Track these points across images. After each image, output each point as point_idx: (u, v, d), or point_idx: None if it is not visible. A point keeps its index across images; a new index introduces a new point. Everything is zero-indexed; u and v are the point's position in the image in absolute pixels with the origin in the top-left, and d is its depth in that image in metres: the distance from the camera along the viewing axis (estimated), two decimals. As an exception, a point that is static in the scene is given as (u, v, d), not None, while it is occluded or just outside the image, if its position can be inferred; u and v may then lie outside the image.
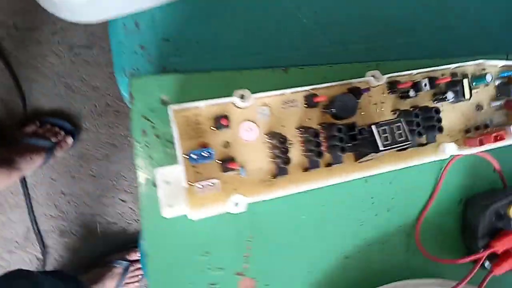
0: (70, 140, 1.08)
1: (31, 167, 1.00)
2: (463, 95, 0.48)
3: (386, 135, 0.40)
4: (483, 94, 0.52)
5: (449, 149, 0.48)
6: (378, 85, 0.46)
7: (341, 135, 0.41)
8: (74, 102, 1.14)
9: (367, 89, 0.43)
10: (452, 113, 0.50)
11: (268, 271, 0.44)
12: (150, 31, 0.44)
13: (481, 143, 0.49)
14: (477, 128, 0.51)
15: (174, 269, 0.40)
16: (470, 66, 0.50)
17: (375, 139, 0.40)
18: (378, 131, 0.40)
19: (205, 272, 0.41)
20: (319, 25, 0.50)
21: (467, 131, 0.50)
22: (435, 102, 0.48)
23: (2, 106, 1.10)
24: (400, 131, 0.40)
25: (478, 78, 0.50)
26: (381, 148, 0.39)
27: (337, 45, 0.51)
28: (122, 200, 1.20)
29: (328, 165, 0.44)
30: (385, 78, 0.46)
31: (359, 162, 0.45)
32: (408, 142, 0.40)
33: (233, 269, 0.42)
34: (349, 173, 0.44)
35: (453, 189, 0.52)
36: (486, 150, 0.50)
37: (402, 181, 0.50)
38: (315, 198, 0.46)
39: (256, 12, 0.48)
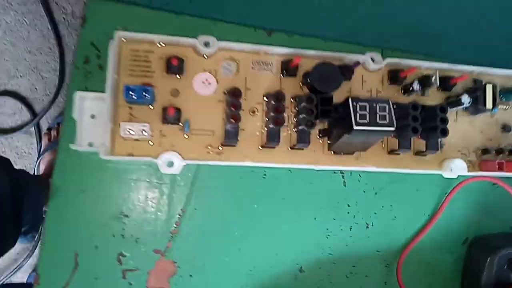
0: None
1: None
2: (484, 104, 0.39)
3: (364, 112, 0.32)
4: (513, 113, 0.42)
5: (457, 167, 0.39)
6: (377, 70, 0.39)
7: (310, 107, 0.34)
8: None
9: (357, 63, 0.36)
10: (468, 126, 0.40)
11: (195, 259, 0.36)
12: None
13: (500, 168, 0.38)
14: (499, 151, 0.40)
15: (78, 221, 0.34)
16: (499, 75, 0.41)
17: (350, 118, 0.32)
18: (355, 106, 0.32)
19: (116, 239, 0.34)
20: (327, 11, 0.44)
21: (485, 151, 0.40)
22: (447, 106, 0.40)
23: (42, 82, 1.15)
24: (385, 113, 0.32)
25: (509, 92, 0.41)
26: (354, 126, 0.31)
27: (344, 34, 0.44)
28: None
29: (293, 146, 0.36)
30: (385, 62, 0.38)
31: (332, 151, 0.37)
32: (391, 128, 0.32)
33: (152, 245, 0.35)
34: (315, 161, 0.36)
35: (458, 222, 0.41)
36: (505, 179, 0.39)
37: (392, 194, 0.41)
38: (275, 185, 0.38)
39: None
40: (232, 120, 0.33)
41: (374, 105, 0.32)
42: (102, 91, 0.32)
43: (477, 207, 0.42)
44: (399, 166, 0.38)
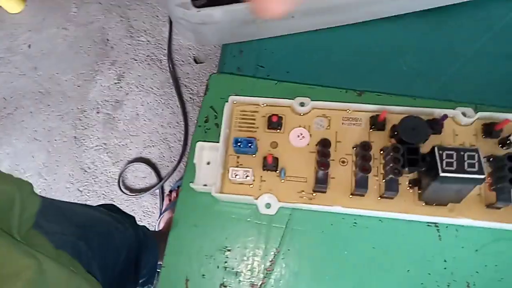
0: None
1: None
2: None
3: (451, 160, 0.33)
4: None
5: None
6: (469, 124, 0.40)
7: (397, 155, 0.36)
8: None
9: (445, 116, 0.38)
10: None
11: (288, 296, 0.38)
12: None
13: None
14: None
15: (190, 251, 0.39)
16: None
17: (436, 165, 0.33)
18: (441, 154, 0.33)
19: (220, 270, 0.39)
20: (418, 74, 0.48)
21: None
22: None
23: (169, 151, 1.35)
24: (473, 161, 0.33)
25: None
26: (440, 172, 0.33)
27: (433, 93, 0.46)
28: None
29: (382, 195, 0.38)
30: (477, 116, 0.39)
31: (423, 202, 0.37)
32: (481, 176, 0.32)
33: (249, 279, 0.38)
34: (405, 210, 0.37)
35: None
36: None
37: (496, 254, 0.38)
38: (366, 234, 0.39)
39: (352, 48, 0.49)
40: (322, 167, 0.37)
41: (462, 153, 0.33)
42: (217, 142, 0.40)
43: None
44: (500, 221, 0.36)
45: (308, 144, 0.40)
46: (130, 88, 1.38)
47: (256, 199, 0.38)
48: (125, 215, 0.78)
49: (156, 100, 1.35)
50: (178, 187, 1.21)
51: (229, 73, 0.46)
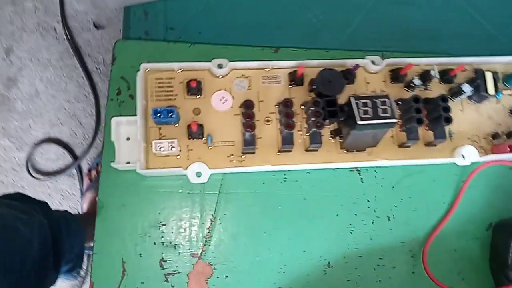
0: None
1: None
2: (486, 91, 0.41)
3: (366, 108, 0.35)
4: (520, 97, 0.43)
5: (469, 154, 0.40)
6: (378, 71, 0.42)
7: (317, 109, 0.37)
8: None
9: (357, 66, 0.39)
10: (475, 114, 0.42)
11: (229, 260, 0.39)
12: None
13: (512, 149, 0.40)
14: (509, 135, 0.42)
15: (123, 232, 0.38)
16: (499, 63, 0.43)
17: (354, 114, 0.35)
18: (357, 103, 0.35)
19: (157, 246, 0.38)
20: (326, 25, 0.49)
21: (496, 136, 0.42)
22: (451, 98, 0.42)
23: (80, 128, 1.25)
24: (385, 107, 0.35)
25: (511, 77, 0.43)
26: (358, 121, 0.34)
27: (344, 44, 0.48)
28: None
29: (307, 148, 0.39)
30: (384, 63, 0.41)
31: (345, 150, 0.40)
32: (393, 120, 0.35)
33: (189, 249, 0.38)
34: (330, 160, 0.39)
35: (479, 208, 0.42)
36: (520, 159, 0.40)
37: (409, 187, 0.42)
38: (296, 187, 0.41)
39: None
40: (248, 129, 0.37)
41: (375, 100, 0.35)
42: (134, 115, 0.37)
43: (497, 192, 0.43)
44: (411, 158, 0.40)
45: (231, 107, 0.39)
46: (23, 62, 1.22)
47: (185, 169, 0.37)
48: (34, 202, 0.72)
49: (57, 74, 1.22)
50: (98, 164, 1.14)
51: (137, 39, 0.42)
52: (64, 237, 0.68)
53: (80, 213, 1.12)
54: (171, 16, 0.48)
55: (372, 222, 0.42)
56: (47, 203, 0.72)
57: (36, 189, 1.19)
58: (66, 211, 0.80)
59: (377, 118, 0.35)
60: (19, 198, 0.74)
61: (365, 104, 0.35)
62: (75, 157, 1.18)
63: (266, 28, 0.47)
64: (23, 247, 0.53)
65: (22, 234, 0.55)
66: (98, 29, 1.29)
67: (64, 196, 1.20)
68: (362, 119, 0.34)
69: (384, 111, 0.35)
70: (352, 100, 0.35)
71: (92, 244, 1.02)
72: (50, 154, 1.17)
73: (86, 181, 1.17)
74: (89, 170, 1.17)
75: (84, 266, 0.95)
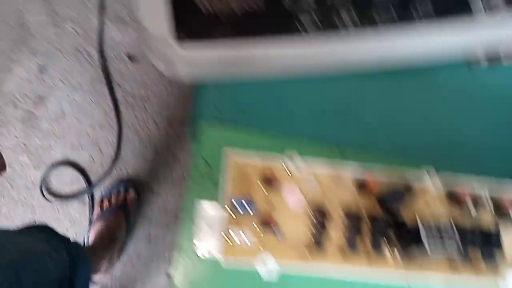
0: (132, 195, 1.13)
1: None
2: (532, 222, 0.45)
3: (434, 240, 0.38)
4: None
5: None
6: (434, 192, 0.46)
7: (387, 229, 0.40)
8: (156, 167, 1.25)
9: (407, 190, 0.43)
10: (518, 241, 0.46)
11: None
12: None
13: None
14: (548, 265, 0.45)
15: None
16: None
17: (423, 244, 0.38)
18: (427, 235, 0.38)
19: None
20: (382, 127, 0.53)
21: (536, 265, 0.45)
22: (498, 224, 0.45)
23: (99, 155, 1.26)
24: (452, 241, 0.39)
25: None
26: (429, 253, 0.38)
27: (398, 149, 0.52)
28: (168, 275, 1.20)
29: (368, 255, 0.42)
30: (442, 183, 0.45)
31: (403, 260, 0.43)
32: (460, 256, 0.38)
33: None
34: (391, 269, 0.42)
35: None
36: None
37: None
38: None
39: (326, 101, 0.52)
40: (317, 234, 0.40)
41: (444, 234, 0.39)
42: (212, 199, 0.40)
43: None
44: (460, 277, 0.43)
45: (302, 206, 0.42)
46: (55, 82, 1.25)
47: (258, 261, 0.39)
48: (59, 237, 0.73)
49: (85, 98, 1.24)
50: (111, 194, 1.14)
51: (214, 120, 0.46)
52: (79, 276, 0.68)
53: (86, 241, 1.11)
54: (245, 96, 0.51)
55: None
56: (69, 239, 0.73)
57: (45, 211, 1.18)
58: (77, 243, 0.80)
59: (443, 253, 0.38)
60: (46, 230, 0.74)
61: (433, 236, 0.38)
62: (89, 183, 1.18)
63: (331, 122, 0.51)
64: (48, 284, 0.54)
65: (50, 274, 0.56)
66: (133, 62, 1.33)
67: (72, 222, 1.20)
68: (432, 251, 0.38)
69: (451, 245, 0.38)
70: (422, 230, 0.38)
71: (94, 277, 1.00)
72: (66, 177, 1.18)
73: (96, 210, 1.17)
74: (102, 199, 1.17)
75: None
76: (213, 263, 0.37)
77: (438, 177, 0.45)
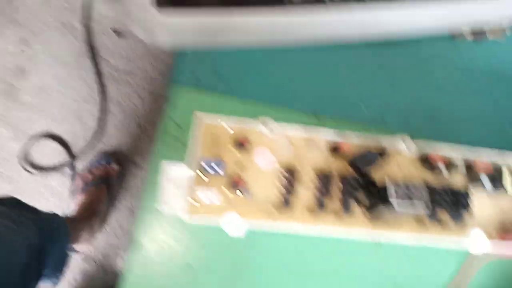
0: (115, 168, 1.12)
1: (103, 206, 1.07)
2: (503, 186, 0.45)
3: (402, 193, 0.38)
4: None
5: (478, 243, 0.44)
6: (408, 154, 0.45)
7: (356, 186, 0.40)
8: (139, 141, 1.24)
9: (385, 154, 0.43)
10: (488, 206, 0.46)
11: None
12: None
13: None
14: (517, 230, 0.46)
15: (156, 272, 0.39)
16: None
17: (387, 198, 0.38)
18: (396, 191, 0.38)
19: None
20: (362, 96, 0.52)
21: (506, 230, 0.46)
22: (469, 187, 0.45)
23: (82, 128, 1.24)
24: (419, 194, 0.38)
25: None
26: (396, 208, 0.38)
27: (376, 118, 0.52)
28: (131, 236, 1.20)
29: (338, 215, 0.42)
30: (416, 147, 0.45)
31: (371, 219, 0.43)
32: (426, 211, 0.38)
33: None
34: (359, 227, 0.42)
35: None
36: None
37: (417, 265, 0.45)
38: (327, 255, 0.43)
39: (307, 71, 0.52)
40: (286, 192, 0.40)
41: (412, 190, 0.39)
42: (182, 161, 0.39)
43: (504, 285, 0.46)
44: (427, 239, 0.43)
45: (273, 167, 0.42)
46: (37, 55, 1.22)
47: (223, 219, 0.39)
48: (25, 208, 0.71)
49: (69, 72, 1.22)
50: (93, 167, 1.13)
51: (190, 85, 0.45)
52: (51, 245, 0.67)
53: (68, 213, 1.10)
54: (222, 65, 0.50)
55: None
56: (37, 209, 0.71)
57: (26, 183, 1.17)
58: (56, 214, 0.78)
59: (412, 207, 0.38)
60: (9, 204, 0.72)
61: (400, 190, 0.38)
62: (72, 156, 1.17)
63: (309, 92, 0.50)
64: (9, 258, 0.53)
65: (9, 245, 0.55)
66: (119, 37, 1.31)
67: (54, 193, 1.19)
68: (400, 206, 0.38)
69: (418, 198, 0.38)
70: (390, 187, 0.38)
71: (75, 247, 0.99)
72: (47, 149, 1.16)
73: (78, 182, 1.16)
74: (84, 172, 1.16)
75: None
76: (179, 222, 0.36)
77: (412, 142, 0.45)
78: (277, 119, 0.43)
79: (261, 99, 0.46)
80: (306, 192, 0.42)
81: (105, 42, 1.24)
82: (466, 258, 0.45)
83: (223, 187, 0.40)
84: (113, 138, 1.24)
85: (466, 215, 0.42)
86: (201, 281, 0.40)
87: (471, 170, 0.46)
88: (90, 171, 1.12)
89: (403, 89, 0.53)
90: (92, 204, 1.07)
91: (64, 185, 1.16)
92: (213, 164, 0.39)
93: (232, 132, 0.42)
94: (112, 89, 1.28)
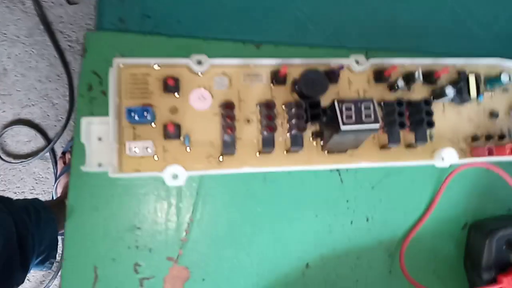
0: None
1: None
2: (468, 93, 0.41)
3: (350, 113, 0.34)
4: (500, 99, 0.43)
5: (448, 156, 0.40)
6: (362, 71, 0.41)
7: (300, 112, 0.36)
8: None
9: (341, 67, 0.38)
10: (456, 116, 0.42)
11: (206, 263, 0.38)
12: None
13: (491, 153, 0.40)
14: (488, 137, 0.42)
15: (95, 236, 0.36)
16: (482, 65, 0.43)
17: (337, 118, 0.34)
18: (341, 107, 0.34)
19: (131, 250, 0.37)
20: (310, 19, 0.47)
21: (475, 139, 0.42)
22: (433, 100, 0.41)
23: (53, 109, 1.19)
24: (369, 112, 0.34)
25: (493, 80, 0.42)
26: (341, 126, 0.33)
27: (329, 39, 0.47)
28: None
29: (288, 150, 0.38)
30: (369, 63, 0.40)
31: (326, 152, 0.39)
32: (376, 125, 0.34)
33: (165, 253, 0.37)
34: (311, 162, 0.38)
35: (455, 209, 0.43)
36: (496, 163, 0.41)
37: (388, 188, 0.42)
38: (275, 189, 0.40)
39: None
40: (228, 130, 0.36)
41: (359, 105, 0.34)
42: (107, 115, 0.35)
43: (473, 193, 0.43)
44: (392, 160, 0.40)
45: (210, 106, 0.38)
46: (-11, 38, 1.16)
47: (161, 171, 0.35)
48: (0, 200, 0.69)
49: (27, 51, 1.16)
50: (71, 147, 1.11)
51: (110, 30, 0.39)
52: (34, 231, 0.65)
53: (54, 197, 1.09)
54: (148, 2, 0.45)
55: (351, 223, 0.42)
56: (11, 199, 0.69)
57: (7, 173, 1.15)
58: (35, 199, 0.76)
59: (360, 123, 0.34)
60: None
61: (348, 109, 0.34)
62: (47, 139, 1.14)
63: (248, 19, 0.44)
64: None
65: None
66: (71, 4, 1.22)
67: (38, 180, 1.17)
68: (345, 124, 0.34)
69: (368, 116, 0.34)
70: (336, 104, 0.34)
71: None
72: (21, 136, 1.13)
73: (60, 164, 1.13)
74: (63, 153, 1.13)
75: (59, 252, 0.93)
76: (110, 178, 0.33)
77: (365, 59, 0.40)
78: (211, 54, 0.38)
79: (193, 35, 0.41)
80: (249, 129, 0.38)
81: (58, 13, 1.17)
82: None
83: (156, 135, 0.36)
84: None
85: (431, 132, 0.39)
86: (142, 236, 0.37)
87: (432, 80, 0.41)
88: (69, 152, 1.10)
89: (356, 2, 0.47)
90: None
91: (47, 170, 1.13)
92: (140, 112, 0.35)
93: (160, 74, 0.37)
94: (75, 63, 1.22)
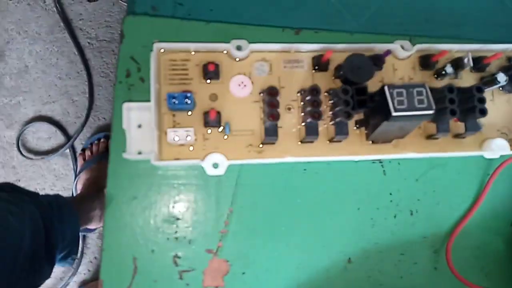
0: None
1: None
2: (521, 81, 0.39)
3: (402, 98, 0.32)
4: (552, 88, 0.41)
5: (498, 146, 0.38)
6: (407, 57, 0.39)
7: (346, 98, 0.34)
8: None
9: (388, 52, 0.37)
10: (506, 105, 0.40)
11: (245, 256, 0.37)
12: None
13: (545, 144, 0.38)
14: (541, 127, 0.40)
15: (134, 227, 0.35)
16: (534, 50, 0.41)
17: (387, 104, 0.32)
18: (391, 93, 0.32)
19: (170, 242, 0.35)
20: (346, 6, 0.45)
21: (527, 129, 0.40)
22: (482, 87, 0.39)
23: (73, 106, 1.20)
24: (422, 97, 0.32)
25: (545, 66, 0.40)
26: (393, 112, 0.32)
27: (366, 26, 0.45)
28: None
29: (331, 139, 0.37)
30: (415, 49, 0.38)
31: (370, 141, 0.37)
32: (430, 111, 0.32)
33: (204, 245, 0.36)
34: (354, 152, 0.37)
35: (503, 203, 0.41)
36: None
37: (433, 181, 0.41)
38: (316, 180, 0.39)
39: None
40: (271, 118, 0.34)
41: (411, 90, 0.33)
42: (146, 101, 0.34)
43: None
44: (439, 151, 0.38)
45: (251, 93, 0.36)
46: (10, 34, 1.16)
47: (202, 160, 0.34)
48: (23, 192, 0.69)
49: (47, 48, 1.16)
50: (92, 144, 1.10)
51: (146, 14, 0.38)
52: (57, 226, 0.65)
53: (74, 194, 1.09)
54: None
55: (394, 217, 0.40)
56: (37, 193, 0.69)
57: (28, 170, 1.15)
58: (58, 195, 0.76)
59: (413, 109, 0.32)
60: (7, 189, 0.70)
61: (400, 94, 0.32)
62: (67, 136, 1.14)
63: (284, 7, 0.43)
64: (14, 241, 0.50)
65: (12, 228, 0.52)
66: (90, 2, 1.23)
67: (58, 176, 1.17)
68: (397, 110, 0.32)
69: (421, 101, 0.32)
70: (386, 89, 0.32)
71: (87, 226, 0.98)
72: (42, 133, 1.13)
73: (80, 161, 1.13)
74: (83, 150, 1.13)
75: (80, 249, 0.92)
76: (148, 167, 0.32)
77: (411, 45, 0.39)
78: (250, 39, 0.37)
79: (231, 20, 0.40)
80: (290, 117, 0.37)
81: (78, 10, 1.17)
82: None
83: (197, 122, 0.35)
84: (106, 111, 1.20)
85: (483, 122, 0.37)
86: (181, 227, 0.36)
87: (482, 66, 0.39)
88: (89, 148, 1.09)
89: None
90: (96, 181, 1.04)
91: (67, 167, 1.13)
92: (181, 98, 0.34)
93: (199, 59, 0.36)
94: (95, 60, 1.22)
